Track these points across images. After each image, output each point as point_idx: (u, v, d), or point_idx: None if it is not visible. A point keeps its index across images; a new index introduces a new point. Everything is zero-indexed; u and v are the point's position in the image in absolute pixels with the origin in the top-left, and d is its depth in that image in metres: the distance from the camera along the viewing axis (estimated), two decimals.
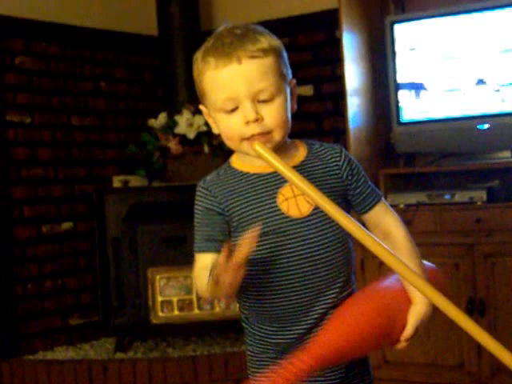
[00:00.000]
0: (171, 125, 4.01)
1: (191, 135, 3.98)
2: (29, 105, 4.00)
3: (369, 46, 3.66)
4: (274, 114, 1.50)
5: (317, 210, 1.53)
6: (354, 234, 1.41)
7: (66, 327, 4.09)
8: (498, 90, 3.39)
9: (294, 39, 4.12)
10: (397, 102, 3.58)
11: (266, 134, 1.50)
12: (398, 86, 3.57)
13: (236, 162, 1.59)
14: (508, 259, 3.21)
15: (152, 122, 4.10)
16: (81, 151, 4.21)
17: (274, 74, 1.51)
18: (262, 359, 1.60)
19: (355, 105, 3.56)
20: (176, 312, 3.77)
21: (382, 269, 3.26)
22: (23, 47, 3.99)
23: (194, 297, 3.78)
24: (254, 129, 1.49)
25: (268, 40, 1.52)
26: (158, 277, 3.79)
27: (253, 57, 1.48)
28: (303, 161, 1.57)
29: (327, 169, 1.58)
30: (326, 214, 1.49)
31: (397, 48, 3.56)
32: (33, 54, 4.03)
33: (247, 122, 1.49)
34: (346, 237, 1.57)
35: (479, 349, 3.18)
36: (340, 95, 3.62)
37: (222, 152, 3.92)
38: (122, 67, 4.46)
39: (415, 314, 1.55)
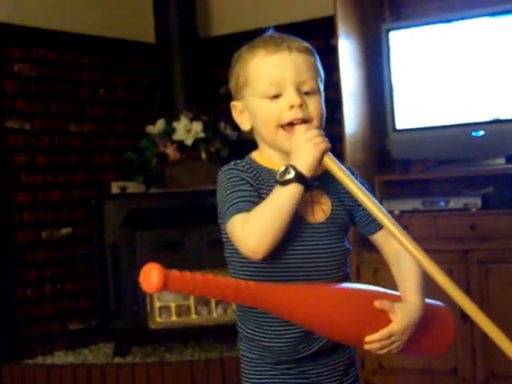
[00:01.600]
0: (169, 131, 4.04)
1: (189, 141, 4.01)
2: (28, 111, 4.03)
3: (365, 54, 3.68)
4: (316, 105, 1.56)
5: (329, 221, 1.57)
6: (398, 240, 1.48)
7: (65, 332, 4.12)
8: (493, 98, 3.42)
9: None
10: (392, 109, 3.60)
11: (306, 122, 1.54)
12: (393, 93, 3.60)
13: (258, 157, 1.60)
14: (502, 266, 3.23)
15: (150, 129, 4.13)
16: (79, 157, 4.24)
17: (316, 72, 1.58)
18: (259, 365, 1.61)
19: (351, 111, 3.58)
20: (174, 317, 3.81)
21: (378, 275, 3.29)
22: (22, 54, 4.02)
23: (191, 302, 3.81)
24: (297, 114, 1.53)
25: (307, 44, 1.60)
26: None
27: (300, 51, 1.56)
28: (323, 173, 1.59)
29: (341, 186, 1.58)
30: (335, 226, 1.57)
31: (392, 55, 3.58)
32: (31, 61, 4.06)
33: (291, 106, 1.52)
34: (348, 253, 1.62)
35: (473, 354, 3.21)
36: (336, 102, 3.64)
37: (219, 158, 3.96)
38: (120, 74, 4.49)
39: (404, 310, 1.55)
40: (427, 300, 1.62)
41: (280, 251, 1.51)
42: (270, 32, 1.62)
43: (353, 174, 1.60)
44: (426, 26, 3.55)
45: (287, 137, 1.54)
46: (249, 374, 1.63)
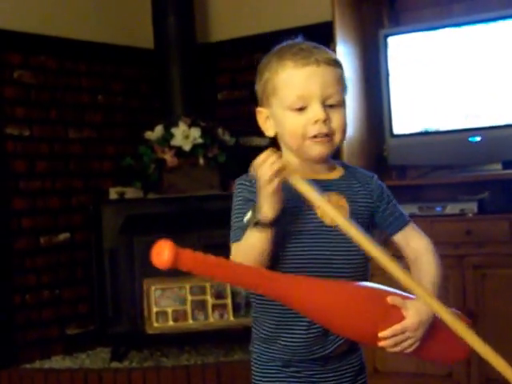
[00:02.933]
0: (167, 137, 4.05)
1: (187, 147, 4.02)
2: (27, 118, 4.05)
3: (363, 59, 3.69)
4: (339, 119, 1.59)
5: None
6: (372, 255, 1.47)
7: (63, 337, 4.12)
8: (490, 103, 3.42)
9: None
10: (390, 114, 3.61)
11: (328, 136, 1.58)
12: (391, 99, 3.60)
13: None
14: (498, 271, 3.23)
15: (148, 135, 4.14)
16: (78, 163, 4.26)
17: (341, 85, 1.61)
18: (269, 368, 1.63)
19: (348, 117, 3.56)
20: (170, 322, 3.81)
21: (373, 281, 3.29)
22: (21, 61, 4.04)
23: (188, 307, 3.82)
24: (321, 128, 1.57)
25: (335, 55, 1.64)
26: (153, 288, 3.83)
27: (328, 64, 1.59)
28: (342, 176, 1.66)
29: (361, 188, 1.66)
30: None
31: (390, 61, 3.59)
32: (31, 68, 4.08)
33: (316, 121, 1.57)
34: (366, 257, 1.62)
35: (468, 358, 3.20)
36: None
37: (217, 164, 3.97)
38: (119, 80, 4.50)
39: (417, 307, 1.56)
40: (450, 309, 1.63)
41: (298, 253, 1.56)
42: (299, 40, 1.66)
43: (381, 188, 1.68)
44: (424, 32, 3.55)
45: (312, 145, 1.59)
46: (258, 376, 1.66)
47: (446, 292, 3.26)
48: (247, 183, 1.61)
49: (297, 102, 1.58)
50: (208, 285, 3.79)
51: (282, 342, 1.60)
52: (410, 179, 3.75)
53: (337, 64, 1.62)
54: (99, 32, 4.37)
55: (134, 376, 3.61)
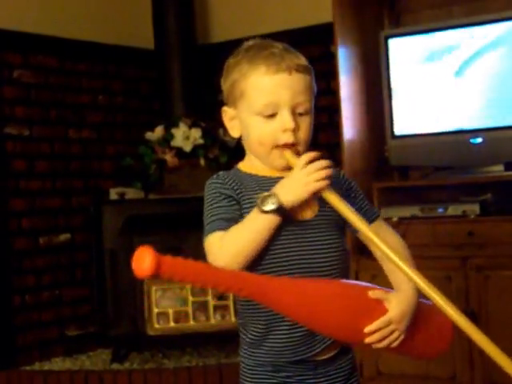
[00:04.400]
0: (168, 138, 4.05)
1: (187, 148, 4.02)
2: (27, 118, 4.03)
3: (363, 60, 3.69)
4: (305, 128, 1.59)
5: (318, 217, 1.59)
6: (371, 242, 1.50)
7: (63, 338, 4.11)
8: (492, 104, 3.42)
9: None
10: (391, 115, 3.61)
11: (294, 145, 1.57)
12: (392, 100, 3.60)
13: (243, 167, 1.63)
14: (500, 272, 3.24)
15: (149, 135, 4.13)
16: (78, 163, 4.24)
17: (310, 92, 1.60)
18: (259, 373, 1.61)
19: (350, 118, 3.59)
20: (172, 324, 3.80)
21: (375, 281, 3.29)
22: (21, 61, 4.02)
23: (189, 308, 3.81)
24: (289, 137, 1.56)
25: (305, 60, 1.61)
26: (153, 288, 3.82)
27: (300, 71, 1.58)
28: None
29: (334, 186, 1.59)
30: (326, 223, 1.58)
31: (391, 62, 3.59)
32: (31, 68, 4.06)
33: (285, 130, 1.55)
34: (343, 248, 1.62)
35: (472, 361, 3.21)
36: (335, 108, 3.65)
37: (217, 165, 3.96)
38: (119, 80, 4.49)
39: (398, 298, 1.55)
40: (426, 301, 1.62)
41: (270, 249, 1.53)
42: (269, 40, 1.63)
43: (349, 182, 1.66)
44: (424, 33, 3.55)
45: (279, 155, 1.57)
46: (247, 381, 1.63)
47: (448, 294, 3.27)
48: (220, 181, 1.58)
49: (266, 108, 1.56)
50: None
51: (268, 345, 1.58)
52: (411, 180, 3.75)
53: (307, 71, 1.60)
54: (99, 32, 4.36)
55: (135, 378, 3.60)
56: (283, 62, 1.56)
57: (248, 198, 1.56)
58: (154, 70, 4.42)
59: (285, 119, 1.55)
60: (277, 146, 1.57)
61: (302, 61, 1.60)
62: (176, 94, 4.20)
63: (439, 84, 3.53)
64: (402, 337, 1.56)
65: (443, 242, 3.37)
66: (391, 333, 1.54)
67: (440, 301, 1.45)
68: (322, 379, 1.60)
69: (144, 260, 1.23)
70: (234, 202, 1.56)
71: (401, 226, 3.40)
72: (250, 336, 1.61)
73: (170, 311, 3.80)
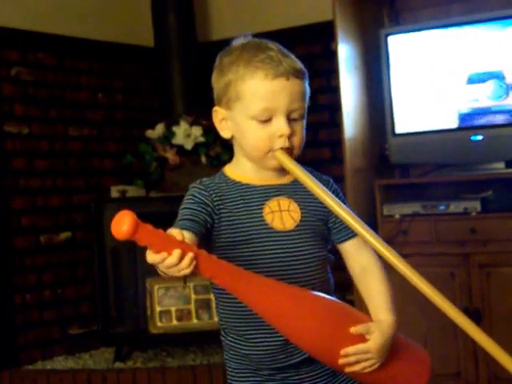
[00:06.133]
0: (169, 135, 4.04)
1: (189, 146, 4.01)
2: (26, 115, 4.02)
3: (364, 58, 3.70)
4: (299, 134, 1.60)
5: (300, 227, 1.59)
6: (370, 243, 1.52)
7: (65, 337, 4.11)
8: (492, 102, 3.43)
9: (290, 51, 4.15)
10: (392, 113, 3.61)
11: (289, 150, 1.58)
12: (392, 98, 3.61)
13: (229, 171, 1.65)
14: (503, 269, 3.26)
15: (149, 133, 4.12)
16: (78, 161, 4.24)
17: (305, 98, 1.61)
18: (242, 372, 1.63)
19: (350, 116, 3.59)
20: (174, 322, 3.80)
21: None
22: (19, 58, 4.01)
23: (192, 306, 3.81)
24: (285, 143, 1.56)
25: (300, 63, 1.61)
26: (156, 287, 3.82)
27: (297, 76, 1.58)
28: (293, 181, 1.63)
29: (313, 194, 1.60)
30: (308, 232, 1.59)
31: (391, 60, 3.60)
32: (29, 65, 4.05)
33: (281, 135, 1.56)
34: (325, 258, 1.63)
35: (476, 357, 3.23)
36: (336, 106, 3.66)
37: (219, 162, 3.95)
38: (119, 78, 4.48)
39: (380, 329, 1.54)
40: (409, 339, 1.64)
41: (252, 260, 1.55)
42: (264, 40, 1.62)
43: (336, 193, 1.65)
44: (424, 31, 3.56)
45: (273, 156, 1.58)
46: (233, 381, 1.65)
47: (451, 291, 3.29)
48: (200, 187, 1.60)
49: (262, 113, 1.56)
50: None
51: (246, 352, 1.60)
52: (413, 178, 3.76)
53: (303, 75, 1.61)
54: (99, 30, 4.35)
55: (139, 376, 3.60)
56: (281, 66, 1.56)
57: (228, 207, 1.57)
58: (153, 67, 4.42)
59: (281, 125, 1.56)
60: (271, 151, 1.58)
61: (298, 64, 1.60)
62: (176, 91, 4.20)
63: (439, 81, 3.54)
64: (376, 366, 1.54)
65: (445, 239, 3.38)
66: (367, 359, 1.53)
67: (440, 301, 1.46)
68: (304, 376, 1.61)
69: (123, 222, 1.26)
70: (204, 209, 1.55)
71: (403, 223, 3.41)
72: (228, 340, 1.63)
73: (173, 309, 3.81)
